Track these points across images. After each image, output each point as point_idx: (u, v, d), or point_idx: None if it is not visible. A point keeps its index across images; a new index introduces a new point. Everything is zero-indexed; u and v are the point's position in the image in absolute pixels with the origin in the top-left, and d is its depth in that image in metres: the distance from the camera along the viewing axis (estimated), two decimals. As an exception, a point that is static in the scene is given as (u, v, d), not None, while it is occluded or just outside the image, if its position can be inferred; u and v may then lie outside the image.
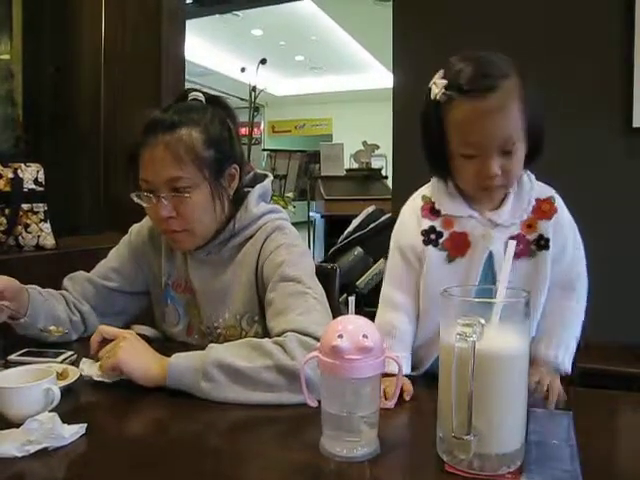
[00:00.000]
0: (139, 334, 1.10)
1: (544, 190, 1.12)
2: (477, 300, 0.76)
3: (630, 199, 2.30)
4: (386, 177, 5.03)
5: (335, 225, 4.04)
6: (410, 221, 1.13)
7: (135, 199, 1.22)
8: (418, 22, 2.64)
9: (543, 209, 1.09)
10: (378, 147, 5.14)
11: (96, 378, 1.03)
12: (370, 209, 3.21)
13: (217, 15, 7.62)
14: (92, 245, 2.03)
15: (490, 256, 1.07)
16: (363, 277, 2.92)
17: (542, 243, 1.08)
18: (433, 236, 1.09)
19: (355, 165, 5.42)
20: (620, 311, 2.27)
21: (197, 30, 8.36)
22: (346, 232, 3.16)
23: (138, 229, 1.43)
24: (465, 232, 1.08)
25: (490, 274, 1.07)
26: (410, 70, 2.65)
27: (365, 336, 0.73)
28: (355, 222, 3.17)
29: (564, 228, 1.11)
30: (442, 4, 2.56)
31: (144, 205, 1.22)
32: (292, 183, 5.59)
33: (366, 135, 5.46)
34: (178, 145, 1.17)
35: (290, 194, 5.27)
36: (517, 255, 1.03)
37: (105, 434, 0.87)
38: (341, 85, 11.97)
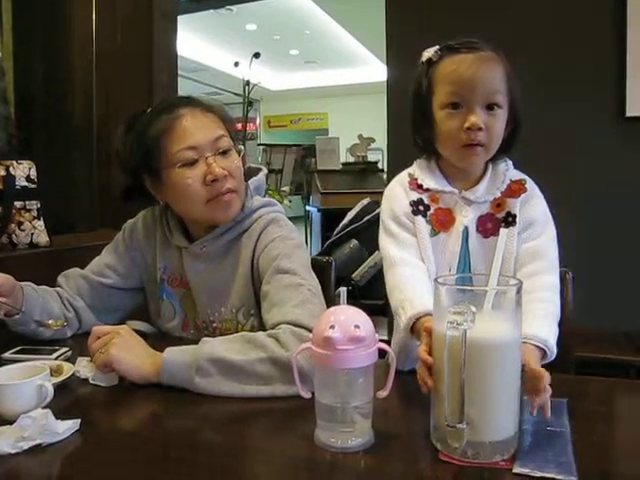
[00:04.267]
0: (134, 330, 1.10)
1: (518, 174, 1.15)
2: (469, 288, 0.75)
3: (624, 187, 2.30)
4: (382, 170, 5.02)
5: (332, 219, 4.02)
6: (399, 192, 1.16)
7: (178, 170, 1.19)
8: (411, 15, 2.63)
9: (513, 189, 1.12)
10: (374, 140, 5.13)
11: (92, 381, 1.02)
12: (365, 201, 3.21)
13: (211, 10, 7.60)
14: (86, 242, 2.02)
15: (466, 234, 1.10)
16: (359, 269, 2.92)
17: (510, 220, 1.09)
18: (421, 207, 1.13)
19: (351, 159, 5.41)
20: (615, 298, 2.28)
21: (191, 26, 8.32)
22: (341, 225, 3.15)
23: (132, 225, 1.42)
24: (449, 208, 1.12)
25: (467, 252, 1.10)
26: (403, 63, 2.63)
27: (357, 326, 0.73)
28: (350, 215, 3.17)
29: (533, 207, 1.11)
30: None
31: (183, 178, 1.19)
32: (288, 177, 5.58)
33: (362, 129, 5.44)
34: (212, 111, 1.26)
35: (286, 188, 5.26)
36: (487, 234, 1.08)
37: (99, 430, 0.87)
38: (336, 79, 11.94)
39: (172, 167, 1.20)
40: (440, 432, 0.73)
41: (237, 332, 1.10)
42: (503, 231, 0.78)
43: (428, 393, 0.77)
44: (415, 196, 1.13)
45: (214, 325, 1.29)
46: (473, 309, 0.66)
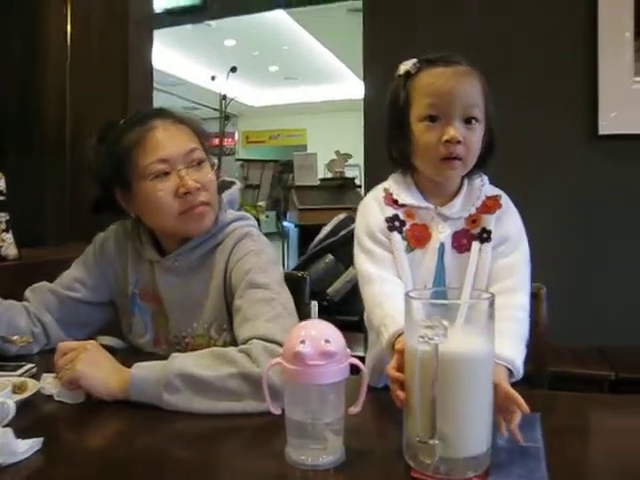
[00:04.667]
0: (103, 345, 1.07)
1: (493, 190, 1.15)
2: (440, 302, 0.75)
3: (598, 204, 2.33)
4: (360, 186, 5.04)
5: (309, 235, 4.01)
6: (374, 208, 1.14)
7: (149, 183, 1.18)
8: (389, 33, 2.65)
9: (488, 205, 1.12)
10: (351, 156, 5.15)
11: (57, 398, 0.99)
12: (341, 216, 3.20)
13: (189, 25, 7.60)
14: (57, 256, 1.98)
15: (442, 250, 1.09)
16: (334, 285, 2.90)
17: (485, 236, 1.09)
18: (397, 223, 1.11)
19: (329, 175, 5.43)
20: (588, 314, 2.29)
21: (169, 40, 8.30)
22: (317, 240, 3.14)
23: (103, 238, 1.40)
24: (425, 224, 1.11)
25: (442, 268, 1.09)
26: (380, 80, 2.64)
27: (328, 341, 0.72)
28: (326, 230, 3.16)
29: (506, 225, 1.11)
30: (412, 16, 2.57)
31: (154, 191, 1.17)
32: (265, 193, 5.57)
33: (340, 145, 5.46)
34: (185, 123, 1.25)
35: (262, 203, 5.25)
36: (462, 249, 1.07)
37: (63, 448, 0.84)
38: (315, 95, 12.00)
39: (143, 180, 1.18)
40: (412, 448, 0.72)
41: (209, 348, 1.08)
42: (475, 245, 0.77)
43: (401, 408, 0.76)
44: (391, 212, 1.12)
45: (186, 341, 1.27)
46: (445, 323, 0.66)
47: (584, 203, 2.34)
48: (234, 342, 1.14)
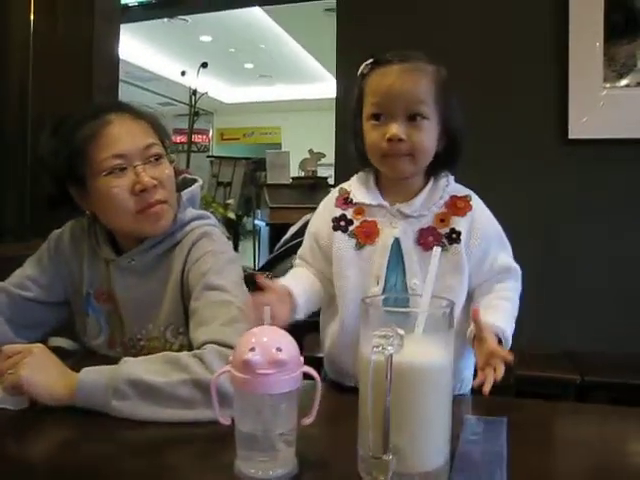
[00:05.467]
0: (55, 347, 1.03)
1: (462, 189, 1.16)
2: (395, 310, 0.72)
3: (567, 208, 2.34)
4: (333, 185, 5.01)
5: (280, 233, 3.97)
6: (324, 210, 1.21)
7: (104, 179, 1.13)
8: (361, 32, 2.63)
9: (458, 205, 1.12)
10: (324, 155, 5.13)
11: None
12: (308, 216, 3.15)
13: (165, 20, 7.48)
14: (15, 253, 1.90)
15: (398, 246, 1.10)
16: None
17: (454, 237, 1.09)
18: (343, 223, 1.15)
19: (302, 174, 5.39)
20: (557, 318, 2.30)
21: (144, 34, 8.19)
22: (283, 240, 3.10)
23: (58, 235, 1.34)
24: (375, 220, 1.13)
25: (400, 264, 1.09)
26: (352, 79, 2.64)
27: (279, 349, 0.68)
28: (293, 229, 3.11)
29: (483, 226, 1.13)
30: (383, 16, 2.56)
31: (109, 188, 1.13)
32: (237, 191, 5.51)
33: (314, 144, 5.43)
34: (142, 117, 1.20)
35: (231, 201, 5.19)
36: (427, 247, 1.08)
37: (4, 460, 0.79)
38: (290, 94, 11.94)
39: (98, 175, 1.13)
40: (366, 463, 0.68)
41: (164, 351, 1.04)
42: (437, 250, 0.75)
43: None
44: (338, 212, 1.16)
45: (141, 343, 1.22)
46: (400, 332, 0.62)
47: (553, 208, 2.35)
48: (191, 346, 1.10)
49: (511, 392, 1.34)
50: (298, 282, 1.12)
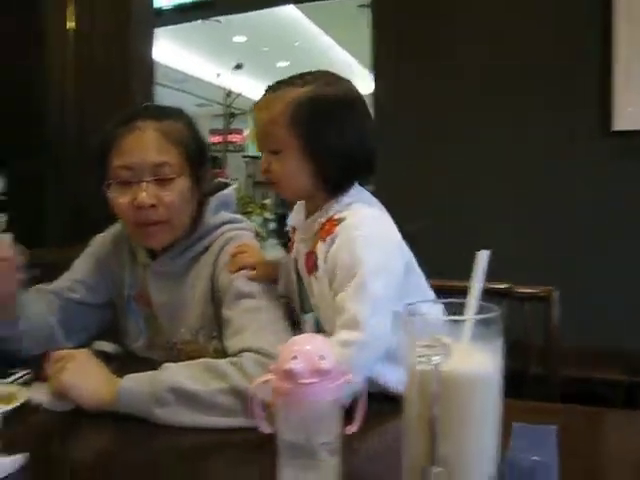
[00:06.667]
0: (99, 351, 1.05)
1: (343, 212, 1.04)
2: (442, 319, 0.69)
3: (612, 202, 2.27)
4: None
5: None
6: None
7: (107, 191, 1.16)
8: (398, 28, 2.61)
9: (324, 229, 1.05)
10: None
11: (45, 406, 0.96)
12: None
13: (199, 21, 7.55)
14: (58, 257, 1.94)
15: (295, 264, 1.12)
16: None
17: (317, 262, 1.04)
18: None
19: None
20: (604, 316, 2.24)
21: (179, 37, 8.26)
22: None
23: (101, 240, 1.38)
24: (293, 240, 1.16)
25: (301, 283, 1.11)
26: (390, 75, 2.63)
27: (322, 357, 0.67)
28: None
29: (333, 254, 1.00)
30: (420, 12, 2.52)
31: (115, 197, 1.15)
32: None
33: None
34: (168, 131, 1.16)
35: (267, 201, 5.18)
36: (309, 270, 1.06)
37: (49, 464, 0.82)
38: (325, 91, 11.95)
39: (111, 182, 1.15)
40: (412, 475, 0.66)
41: (202, 355, 1.07)
42: (484, 252, 0.71)
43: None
44: (290, 225, 1.22)
45: (178, 347, 1.23)
46: (446, 340, 0.60)
47: (597, 202, 2.28)
48: (225, 350, 1.10)
49: (556, 394, 1.31)
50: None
